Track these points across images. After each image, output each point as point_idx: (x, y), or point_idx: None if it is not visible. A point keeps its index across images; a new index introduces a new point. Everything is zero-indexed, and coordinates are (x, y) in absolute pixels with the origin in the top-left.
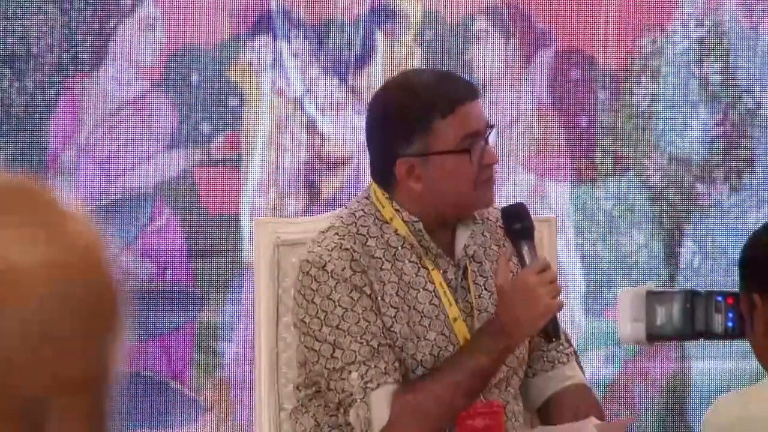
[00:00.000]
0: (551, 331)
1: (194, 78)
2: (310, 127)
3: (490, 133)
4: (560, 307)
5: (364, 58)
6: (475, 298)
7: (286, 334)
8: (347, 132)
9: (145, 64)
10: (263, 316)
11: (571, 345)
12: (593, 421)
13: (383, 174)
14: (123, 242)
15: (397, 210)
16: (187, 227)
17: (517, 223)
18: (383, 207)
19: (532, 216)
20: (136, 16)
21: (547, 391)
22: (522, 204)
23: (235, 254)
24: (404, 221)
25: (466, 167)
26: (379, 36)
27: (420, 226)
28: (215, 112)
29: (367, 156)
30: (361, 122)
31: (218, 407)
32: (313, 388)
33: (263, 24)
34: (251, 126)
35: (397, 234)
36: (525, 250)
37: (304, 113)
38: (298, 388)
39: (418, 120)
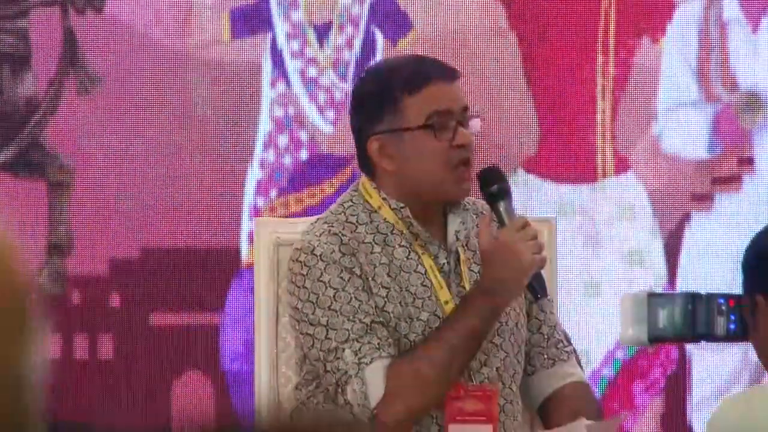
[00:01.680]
0: (537, 288)
1: (194, 78)
2: (310, 127)
3: (467, 116)
4: (542, 262)
5: (364, 58)
6: (469, 284)
7: (285, 334)
8: (347, 132)
9: (144, 64)
10: (263, 316)
11: (570, 343)
12: (584, 421)
13: (362, 158)
14: (124, 241)
15: (384, 199)
16: (187, 227)
17: (493, 185)
18: (371, 197)
19: (532, 216)
20: (136, 16)
21: (547, 389)
22: (496, 166)
23: (235, 254)
24: (392, 209)
25: (433, 145)
26: (379, 36)
27: (407, 212)
28: (215, 112)
29: None
30: None
31: (218, 407)
32: (313, 384)
33: (263, 24)
34: (251, 126)
35: (386, 221)
36: (503, 210)
37: (304, 113)
38: (298, 387)
39: (386, 97)
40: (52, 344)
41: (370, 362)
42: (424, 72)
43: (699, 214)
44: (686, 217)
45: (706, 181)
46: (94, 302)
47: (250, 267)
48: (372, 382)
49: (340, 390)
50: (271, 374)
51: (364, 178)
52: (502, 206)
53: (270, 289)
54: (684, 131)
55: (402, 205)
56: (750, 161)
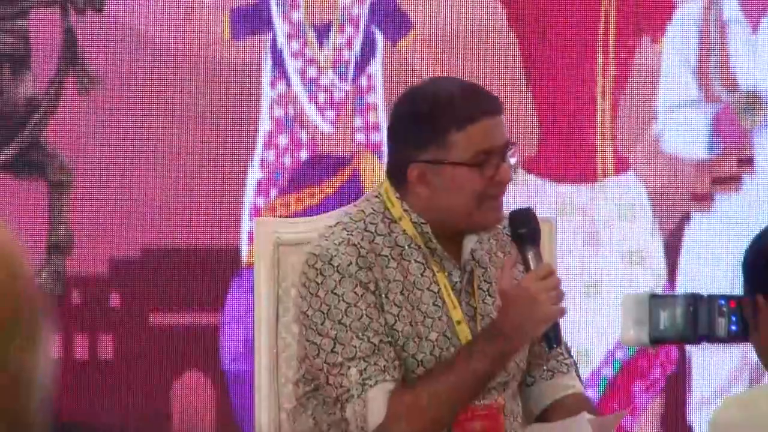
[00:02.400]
0: (552, 338)
1: (194, 78)
2: (310, 127)
3: (509, 150)
4: (561, 314)
5: (364, 58)
6: (479, 303)
7: (285, 334)
8: (347, 132)
9: (144, 64)
10: (263, 316)
11: (571, 356)
12: (586, 416)
13: (396, 174)
14: (124, 241)
15: (406, 210)
16: (187, 227)
17: (523, 228)
18: (393, 206)
19: None
20: (136, 16)
21: (546, 400)
22: (529, 209)
23: (235, 254)
24: (412, 222)
25: (475, 182)
26: (379, 36)
27: (427, 228)
28: (215, 112)
29: (366, 156)
30: (360, 122)
31: (218, 407)
32: (312, 385)
33: (263, 24)
34: (251, 126)
35: (405, 234)
36: (530, 255)
37: (304, 113)
38: (297, 384)
39: (435, 129)
40: (52, 344)
41: (374, 384)
42: (473, 108)
43: (699, 214)
44: (686, 217)
45: (706, 181)
46: (94, 302)
47: (250, 267)
48: (373, 405)
49: (339, 406)
50: (271, 374)
51: (387, 185)
52: (530, 251)
53: (270, 289)
54: (684, 131)
55: (423, 221)
56: (750, 161)
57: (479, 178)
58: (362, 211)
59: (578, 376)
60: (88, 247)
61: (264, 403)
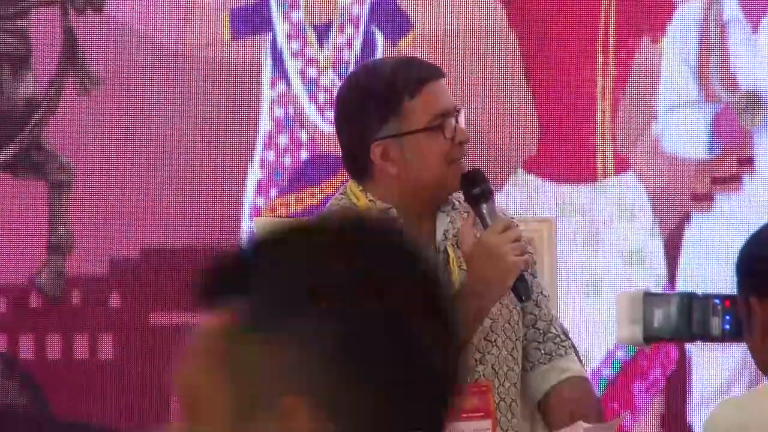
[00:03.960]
0: (521, 290)
1: (194, 78)
2: (310, 127)
3: (458, 114)
4: (525, 264)
5: (364, 58)
6: (459, 284)
7: None
8: None
9: (144, 64)
10: None
11: (568, 338)
12: (582, 425)
13: (358, 162)
14: (124, 241)
15: (371, 201)
16: (187, 227)
17: (475, 188)
18: (358, 199)
19: (531, 216)
20: (136, 16)
21: (546, 384)
22: (478, 169)
23: None
24: (379, 211)
25: (439, 144)
26: (379, 36)
27: (393, 212)
28: (215, 113)
29: None
30: None
31: None
32: None
33: (263, 24)
34: (251, 126)
35: None
36: (485, 212)
37: (304, 113)
38: None
39: (388, 102)
40: (52, 344)
41: None
42: (417, 74)
43: (699, 214)
44: (686, 217)
45: (706, 181)
46: (94, 302)
47: None
48: None
49: None
50: None
51: (350, 182)
52: (484, 208)
53: None
54: (684, 131)
55: (389, 205)
56: (750, 161)
57: (442, 140)
58: (328, 208)
59: (578, 357)
60: (88, 247)
61: None
